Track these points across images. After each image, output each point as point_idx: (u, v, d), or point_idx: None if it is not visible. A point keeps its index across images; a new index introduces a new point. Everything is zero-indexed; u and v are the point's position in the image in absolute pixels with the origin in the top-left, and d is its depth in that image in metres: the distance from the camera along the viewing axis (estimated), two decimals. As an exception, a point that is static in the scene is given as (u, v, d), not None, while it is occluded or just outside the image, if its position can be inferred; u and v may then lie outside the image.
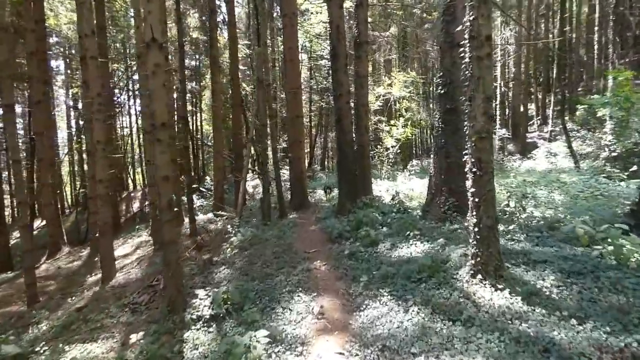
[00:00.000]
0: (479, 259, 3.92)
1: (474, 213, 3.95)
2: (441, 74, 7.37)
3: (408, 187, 12.15)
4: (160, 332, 4.43)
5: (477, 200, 3.92)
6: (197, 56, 26.62)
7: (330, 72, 10.82)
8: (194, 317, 4.46)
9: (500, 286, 3.69)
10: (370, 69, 20.25)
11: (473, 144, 3.94)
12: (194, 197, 18.04)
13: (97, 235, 8.81)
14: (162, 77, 4.51)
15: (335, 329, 3.99)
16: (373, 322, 3.86)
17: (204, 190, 18.98)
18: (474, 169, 3.94)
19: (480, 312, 3.46)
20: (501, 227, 5.42)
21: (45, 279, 9.86)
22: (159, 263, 6.80)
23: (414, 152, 28.12)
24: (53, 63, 28.65)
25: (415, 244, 5.80)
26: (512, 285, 3.72)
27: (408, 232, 6.23)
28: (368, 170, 10.78)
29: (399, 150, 17.08)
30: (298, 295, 4.89)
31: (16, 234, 20.67)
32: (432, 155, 7.64)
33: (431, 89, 27.33)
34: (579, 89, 24.44)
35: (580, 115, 21.03)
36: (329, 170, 26.09)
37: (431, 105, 26.37)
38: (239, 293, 4.86)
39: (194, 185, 19.32)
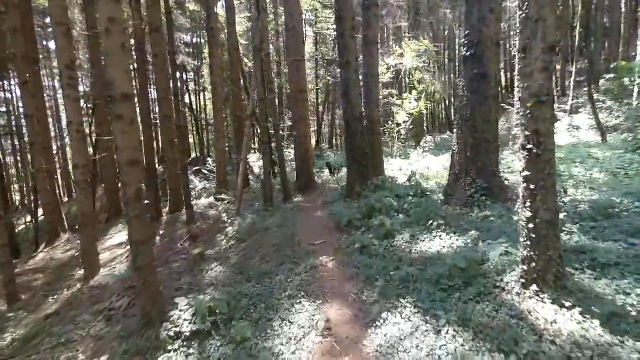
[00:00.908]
0: (534, 264, 2.95)
1: (528, 204, 2.96)
2: (467, 32, 6.19)
3: (423, 165, 11.12)
4: (131, 351, 3.62)
5: (532, 187, 2.91)
6: (198, 32, 25.42)
7: (336, 37, 9.67)
8: (171, 333, 3.63)
9: (566, 303, 2.72)
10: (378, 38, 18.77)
11: (528, 112, 2.90)
12: (197, 180, 17.31)
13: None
14: (120, 36, 3.54)
15: (345, 352, 3.14)
16: (394, 346, 2.98)
17: (206, 172, 18.19)
18: (529, 146, 2.92)
19: (544, 342, 2.51)
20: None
21: (35, 272, 9.24)
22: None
23: (426, 127, 26.81)
24: (52, 44, 27.78)
25: (441, 236, 4.84)
26: (583, 302, 2.75)
27: (430, 221, 5.24)
28: (379, 148, 9.77)
29: (411, 126, 15.91)
30: (300, 303, 4.03)
31: (22, 220, 20.34)
32: (455, 130, 6.58)
33: (445, 59, 25.80)
34: (602, 58, 22.65)
35: (606, 84, 19.47)
36: (337, 148, 25.05)
37: (444, 78, 24.89)
38: (228, 301, 4.01)
39: (196, 168, 18.57)
